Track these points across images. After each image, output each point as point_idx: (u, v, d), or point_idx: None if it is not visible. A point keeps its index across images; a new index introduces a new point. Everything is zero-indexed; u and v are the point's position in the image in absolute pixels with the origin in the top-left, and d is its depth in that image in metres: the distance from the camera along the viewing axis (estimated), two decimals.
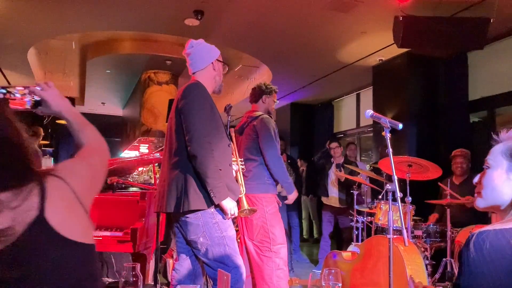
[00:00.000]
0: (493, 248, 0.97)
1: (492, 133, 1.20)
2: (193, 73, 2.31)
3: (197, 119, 2.07)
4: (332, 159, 5.27)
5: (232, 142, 2.56)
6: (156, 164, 3.96)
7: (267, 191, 2.98)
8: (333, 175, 5.21)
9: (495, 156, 1.14)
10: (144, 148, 8.25)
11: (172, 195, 2.06)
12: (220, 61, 2.36)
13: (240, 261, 2.14)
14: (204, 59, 2.29)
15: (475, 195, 1.19)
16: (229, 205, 2.08)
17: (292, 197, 3.12)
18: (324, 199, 5.32)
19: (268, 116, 3.11)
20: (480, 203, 1.16)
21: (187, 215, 2.08)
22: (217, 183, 2.02)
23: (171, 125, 2.20)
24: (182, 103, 2.12)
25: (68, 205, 0.90)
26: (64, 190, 0.90)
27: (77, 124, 1.17)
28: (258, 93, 3.23)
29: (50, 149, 10.63)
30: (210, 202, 2.05)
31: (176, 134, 2.14)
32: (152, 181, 4.44)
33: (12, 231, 0.80)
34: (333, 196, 5.18)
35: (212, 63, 2.30)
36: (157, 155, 3.69)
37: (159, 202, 2.17)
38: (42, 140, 6.95)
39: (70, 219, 0.89)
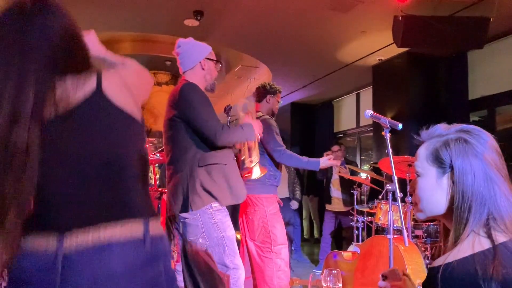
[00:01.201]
0: (460, 284, 0.87)
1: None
2: (183, 73, 2.30)
3: (205, 116, 2.08)
4: None
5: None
6: (156, 165, 3.96)
7: (268, 192, 2.96)
8: (336, 175, 5.21)
9: (422, 163, 1.03)
10: None
11: (177, 198, 2.08)
12: (210, 59, 2.31)
13: (239, 261, 2.14)
14: (191, 59, 2.26)
15: (414, 207, 1.10)
16: (257, 129, 2.21)
17: (323, 164, 2.92)
18: (327, 206, 5.31)
19: (268, 117, 3.09)
20: (420, 216, 1.06)
21: (186, 216, 2.08)
22: (244, 133, 2.16)
23: (165, 130, 2.20)
24: (183, 108, 2.10)
25: (120, 88, 1.00)
26: (117, 77, 1.02)
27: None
28: (262, 93, 3.19)
29: None
30: (210, 200, 2.06)
31: (169, 140, 2.16)
32: (152, 182, 4.44)
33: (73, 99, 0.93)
34: (336, 198, 5.18)
35: (200, 62, 2.27)
36: (157, 156, 3.69)
37: (168, 206, 2.20)
38: None
39: (123, 96, 1.00)
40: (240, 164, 2.66)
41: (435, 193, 1.01)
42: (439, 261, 0.92)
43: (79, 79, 0.95)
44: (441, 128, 1.04)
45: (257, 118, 3.07)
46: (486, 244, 0.90)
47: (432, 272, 0.92)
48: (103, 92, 0.96)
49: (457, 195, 0.96)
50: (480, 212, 0.93)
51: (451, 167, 0.97)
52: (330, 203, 5.28)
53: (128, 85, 1.03)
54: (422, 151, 1.05)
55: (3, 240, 0.75)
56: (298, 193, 5.36)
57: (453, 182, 0.97)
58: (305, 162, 2.95)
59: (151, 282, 0.83)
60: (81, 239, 0.79)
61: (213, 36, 5.09)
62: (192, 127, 2.09)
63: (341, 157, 5.24)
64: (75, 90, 0.94)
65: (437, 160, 1.00)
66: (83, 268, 0.78)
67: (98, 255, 0.79)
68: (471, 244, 0.91)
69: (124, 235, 0.82)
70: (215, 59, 2.36)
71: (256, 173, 2.56)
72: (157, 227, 0.91)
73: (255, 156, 2.50)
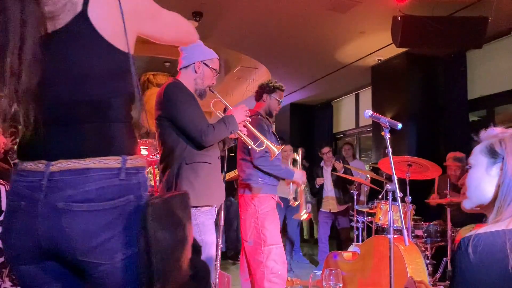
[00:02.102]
0: (489, 252, 0.97)
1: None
2: (179, 69, 2.25)
3: (190, 116, 2.05)
4: (322, 163, 5.27)
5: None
6: (156, 166, 3.96)
7: (260, 191, 2.88)
8: (329, 175, 5.18)
9: (476, 155, 1.16)
10: (143, 150, 8.23)
11: None
12: (207, 65, 2.22)
13: (211, 268, 2.06)
14: (188, 58, 2.21)
15: (462, 197, 1.21)
16: (239, 118, 2.16)
17: (297, 178, 2.93)
18: (322, 206, 5.28)
19: (260, 116, 2.96)
20: (466, 204, 1.17)
21: None
22: (228, 128, 2.12)
23: (155, 129, 2.18)
24: (167, 107, 2.07)
25: (110, 13, 0.96)
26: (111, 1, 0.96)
27: None
28: (259, 92, 3.09)
29: None
30: (195, 200, 1.99)
31: (159, 139, 2.14)
32: (152, 183, 4.44)
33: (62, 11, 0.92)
34: (330, 197, 5.14)
35: (194, 63, 2.19)
36: (157, 157, 3.69)
37: None
38: None
39: (110, 24, 0.95)
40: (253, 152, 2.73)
41: (482, 181, 1.12)
42: (472, 233, 1.02)
43: None
44: (498, 130, 1.18)
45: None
46: None
47: (463, 241, 1.01)
48: (87, 17, 0.92)
49: (504, 183, 1.07)
50: None
51: (502, 159, 1.10)
52: (321, 203, 5.27)
53: (126, 11, 0.98)
54: (478, 147, 1.17)
55: None
56: (308, 196, 5.32)
57: (501, 171, 1.09)
58: (279, 170, 2.90)
59: (120, 208, 0.94)
60: (64, 165, 0.92)
61: (212, 37, 5.09)
62: (178, 127, 2.06)
63: (332, 159, 5.20)
64: (63, 9, 0.92)
65: (491, 152, 1.13)
66: (64, 187, 0.91)
67: (77, 178, 0.91)
68: (507, 223, 1.02)
69: (101, 165, 0.93)
70: (215, 68, 2.27)
71: (273, 150, 2.46)
72: (134, 163, 0.99)
73: (261, 138, 2.45)
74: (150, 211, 0.92)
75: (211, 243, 2.08)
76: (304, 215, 3.22)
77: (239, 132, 2.22)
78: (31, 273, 0.96)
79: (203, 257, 1.98)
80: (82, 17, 0.92)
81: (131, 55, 1.02)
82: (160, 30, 1.14)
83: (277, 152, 2.46)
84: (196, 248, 1.08)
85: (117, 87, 0.99)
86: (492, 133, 1.17)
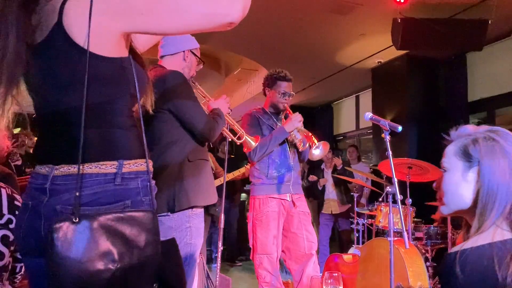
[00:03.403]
0: (477, 271, 0.92)
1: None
2: (161, 57, 2.08)
3: (197, 112, 1.93)
4: (323, 165, 5.26)
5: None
6: None
7: (256, 192, 2.72)
8: (329, 177, 5.18)
9: (449, 158, 1.09)
10: None
11: (161, 197, 1.86)
12: (194, 54, 2.11)
13: (191, 272, 1.98)
14: (176, 45, 2.06)
15: (438, 201, 1.14)
16: (224, 110, 2.08)
17: (290, 125, 2.76)
18: (323, 208, 5.27)
19: (252, 111, 2.83)
20: (444, 210, 1.11)
21: (161, 216, 1.88)
22: (223, 120, 2.04)
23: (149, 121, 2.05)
24: (170, 99, 1.90)
25: (85, 16, 0.90)
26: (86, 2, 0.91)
27: None
28: (263, 87, 2.92)
29: None
30: (204, 199, 1.96)
31: (154, 132, 1.96)
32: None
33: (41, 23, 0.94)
34: (331, 200, 5.14)
35: (184, 51, 2.07)
36: None
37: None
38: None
39: (86, 32, 0.91)
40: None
41: (460, 187, 1.06)
42: (456, 248, 0.98)
43: (51, 6, 0.93)
44: (470, 128, 1.11)
45: None
46: (506, 236, 0.96)
47: (449, 257, 0.97)
48: (62, 27, 0.92)
49: (482, 188, 1.01)
50: (504, 206, 0.99)
51: (478, 162, 1.03)
52: (322, 206, 5.26)
53: (100, 12, 0.91)
54: (451, 148, 1.11)
55: None
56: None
57: (478, 176, 1.03)
58: (266, 139, 2.67)
59: (115, 211, 0.94)
60: (65, 170, 0.95)
61: (213, 39, 5.10)
62: (182, 121, 1.92)
63: (332, 162, 5.18)
64: (46, 18, 0.93)
65: (465, 155, 1.06)
66: (63, 191, 0.94)
67: (74, 183, 0.93)
68: (492, 234, 0.97)
69: (96, 171, 0.95)
70: (199, 57, 2.15)
71: (250, 144, 2.37)
72: (133, 167, 1.00)
73: (240, 131, 2.33)
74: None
75: (198, 247, 1.99)
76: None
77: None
78: (37, 265, 0.99)
79: (188, 261, 1.91)
80: (58, 28, 0.92)
81: (124, 57, 1.00)
82: (157, 23, 0.95)
83: (253, 145, 2.36)
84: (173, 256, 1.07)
85: (111, 93, 0.99)
86: (464, 132, 1.11)
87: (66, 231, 0.86)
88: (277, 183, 2.71)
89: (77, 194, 0.92)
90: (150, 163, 1.05)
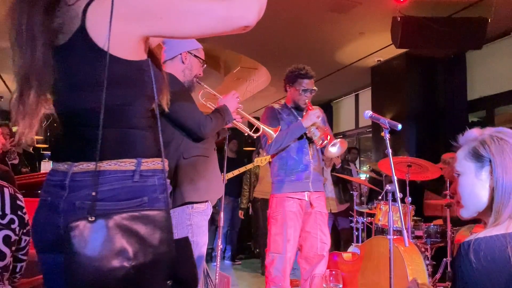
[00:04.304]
0: (491, 258, 0.97)
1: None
2: (163, 62, 2.11)
3: (188, 110, 1.96)
4: (322, 164, 5.25)
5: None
6: None
7: (275, 191, 2.71)
8: (329, 176, 5.18)
9: (461, 162, 1.14)
10: None
11: None
12: (196, 55, 2.12)
13: (200, 270, 2.02)
14: (173, 49, 2.09)
15: (457, 206, 1.18)
16: (232, 106, 2.07)
17: (308, 121, 2.65)
18: None
19: (270, 106, 2.83)
20: (464, 213, 1.15)
21: None
22: (224, 118, 2.04)
23: None
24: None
25: (106, 20, 0.92)
26: (107, 5, 0.93)
27: None
28: (284, 82, 2.88)
29: (49, 153, 10.61)
30: (198, 196, 1.97)
31: None
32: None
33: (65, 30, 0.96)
34: (329, 198, 5.13)
35: (181, 54, 2.08)
36: None
37: None
38: (42, 143, 6.94)
39: (107, 35, 0.93)
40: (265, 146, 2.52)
41: (476, 187, 1.10)
42: (471, 237, 1.01)
43: (73, 10, 0.95)
44: (475, 131, 1.16)
45: None
46: None
47: (463, 246, 1.01)
48: (85, 30, 0.94)
49: (497, 185, 1.06)
50: None
51: (489, 161, 1.08)
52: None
53: (121, 17, 0.93)
54: (461, 153, 1.15)
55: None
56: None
57: (491, 174, 1.07)
58: (284, 132, 2.60)
59: (133, 207, 0.96)
60: (84, 167, 0.97)
61: (212, 38, 5.09)
62: (173, 120, 1.95)
63: (331, 160, 5.17)
64: (69, 22, 0.95)
65: (476, 156, 1.11)
66: (82, 187, 0.96)
67: (93, 179, 0.95)
68: (506, 226, 1.02)
69: (116, 168, 0.97)
70: (201, 57, 2.17)
71: (270, 134, 2.36)
72: (150, 165, 1.01)
73: (256, 123, 2.33)
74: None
75: (202, 244, 2.01)
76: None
77: (234, 121, 2.15)
78: (52, 261, 1.00)
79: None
80: (81, 31, 0.94)
81: (143, 60, 1.01)
82: (174, 27, 0.98)
83: (274, 135, 2.36)
84: (185, 253, 1.06)
85: (129, 95, 1.01)
86: (471, 136, 1.15)
87: (82, 229, 0.88)
88: (295, 180, 2.68)
89: (93, 193, 0.93)
90: (166, 162, 1.06)
